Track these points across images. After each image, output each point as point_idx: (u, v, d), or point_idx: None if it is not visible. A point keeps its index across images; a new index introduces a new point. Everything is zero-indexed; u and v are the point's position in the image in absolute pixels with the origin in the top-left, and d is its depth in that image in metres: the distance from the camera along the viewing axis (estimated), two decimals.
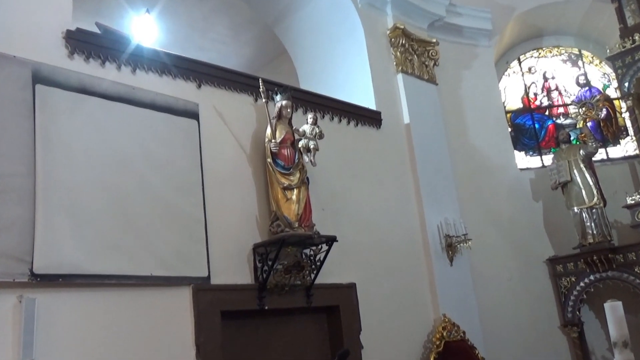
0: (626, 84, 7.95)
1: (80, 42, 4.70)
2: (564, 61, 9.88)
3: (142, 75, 5.04)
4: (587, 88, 9.64)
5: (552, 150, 9.15)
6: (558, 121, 9.55)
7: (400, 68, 7.72)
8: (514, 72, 9.88)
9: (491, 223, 8.24)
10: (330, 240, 5.52)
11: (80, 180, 4.34)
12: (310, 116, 5.82)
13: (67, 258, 4.10)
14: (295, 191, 5.41)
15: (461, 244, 7.18)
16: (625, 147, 9.19)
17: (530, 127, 9.55)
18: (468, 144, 8.53)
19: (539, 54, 9.94)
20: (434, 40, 8.23)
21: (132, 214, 4.54)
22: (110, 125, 4.64)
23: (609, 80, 9.59)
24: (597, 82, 9.66)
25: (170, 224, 4.75)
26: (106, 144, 4.56)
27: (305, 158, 5.64)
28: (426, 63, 8.17)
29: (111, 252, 4.33)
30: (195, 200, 4.99)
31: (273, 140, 5.41)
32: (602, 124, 9.37)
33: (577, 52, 9.86)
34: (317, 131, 5.74)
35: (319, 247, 5.55)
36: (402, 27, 7.80)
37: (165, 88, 5.13)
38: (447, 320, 6.73)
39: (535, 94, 9.78)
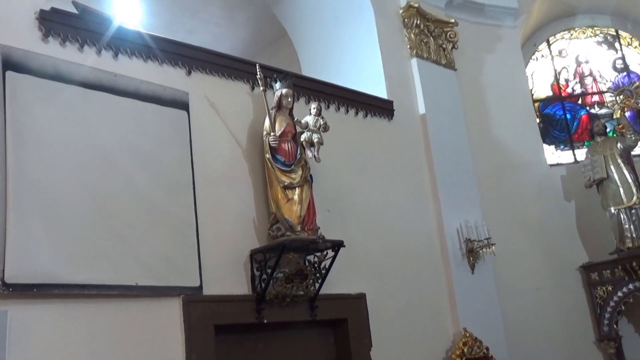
0: None
1: (56, 23, 4.69)
2: (599, 43, 9.85)
3: (125, 60, 5.04)
4: (625, 73, 9.61)
5: (586, 143, 9.12)
6: (592, 111, 9.53)
7: (414, 52, 7.72)
8: (542, 55, 9.86)
9: (517, 226, 8.24)
10: (337, 246, 5.52)
11: (57, 179, 4.34)
12: (313, 106, 5.82)
13: (43, 266, 4.11)
14: (297, 190, 5.41)
15: (484, 250, 7.17)
16: None
17: (561, 117, 9.53)
18: (491, 137, 8.51)
19: (571, 35, 9.92)
20: (453, 21, 8.22)
21: (114, 217, 4.54)
22: (90, 117, 4.64)
23: None
24: (637, 67, 9.63)
25: (157, 227, 4.75)
26: (85, 138, 4.56)
27: (309, 153, 5.64)
28: (444, 46, 8.17)
29: (92, 259, 4.33)
30: (186, 201, 5.00)
31: (272, 134, 5.41)
32: None
33: (614, 33, 9.83)
34: (322, 123, 5.75)
35: (324, 253, 5.55)
36: (416, 5, 7.79)
37: (151, 75, 5.13)
38: (468, 334, 6.73)
39: (567, 81, 9.76)
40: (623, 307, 7.96)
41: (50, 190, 4.29)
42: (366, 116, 6.92)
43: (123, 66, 4.99)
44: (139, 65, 5.12)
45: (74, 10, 4.87)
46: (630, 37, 9.77)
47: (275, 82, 5.66)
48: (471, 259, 7.21)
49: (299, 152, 5.55)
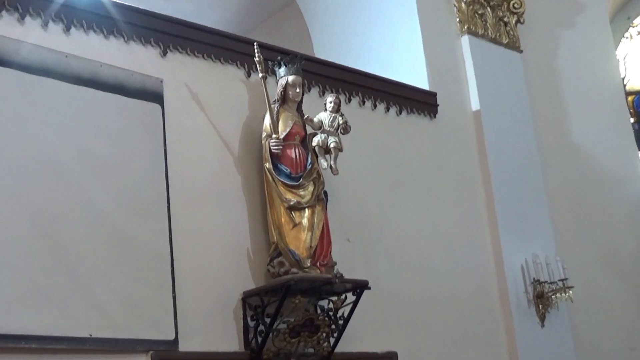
0: None
1: None
2: None
3: (79, 36, 5.07)
4: None
5: None
6: None
7: (466, 27, 7.74)
8: (639, 33, 9.84)
9: (604, 263, 8.19)
10: (359, 287, 5.52)
11: None
12: (330, 99, 5.84)
13: None
14: (307, 212, 5.44)
15: (558, 295, 7.16)
16: None
17: None
18: (568, 142, 8.50)
19: None
20: None
21: (63, 245, 4.55)
22: (33, 112, 4.66)
23: None
24: None
25: (119, 260, 4.76)
26: (26, 140, 4.59)
27: (323, 163, 5.65)
28: (505, 19, 8.18)
29: (32, 302, 4.33)
30: (158, 225, 5.02)
31: (274, 136, 5.43)
32: None
33: None
34: (341, 122, 5.77)
35: (343, 297, 5.55)
36: None
37: (113, 56, 5.16)
38: None
39: None
40: None
41: None
42: (400, 113, 6.94)
43: (77, 44, 5.02)
44: (98, 42, 5.15)
45: None
46: None
47: (279, 66, 5.69)
48: (540, 307, 7.19)
49: (309, 160, 5.58)
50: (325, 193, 5.61)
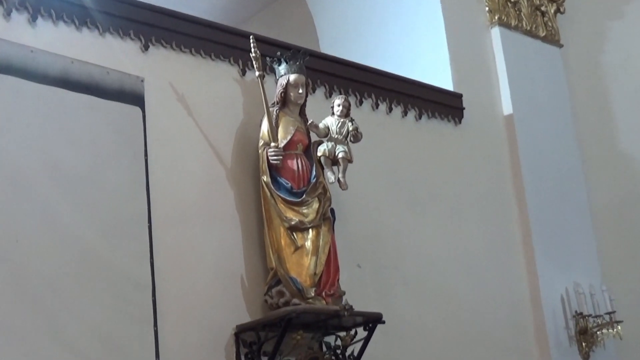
0: None
1: None
2: None
3: (47, 28, 5.08)
4: None
5: None
6: None
7: (496, 18, 7.76)
8: None
9: None
10: (372, 322, 5.53)
11: None
12: (338, 102, 5.86)
13: None
14: (311, 234, 5.45)
15: (604, 330, 7.15)
16: None
17: None
18: (617, 152, 8.48)
19: None
20: None
21: (27, 272, 4.55)
22: None
23: None
24: None
25: (93, 289, 4.75)
26: None
27: (330, 176, 5.67)
28: (543, 9, 8.20)
29: None
30: (137, 248, 5.01)
31: (273, 144, 5.44)
32: None
33: None
34: (350, 128, 5.78)
35: (352, 332, 5.57)
36: None
37: (87, 51, 5.17)
38: None
39: None
40: None
41: None
42: (420, 118, 6.96)
43: (45, 37, 5.03)
44: (69, 35, 5.16)
45: None
46: None
47: (279, 63, 5.70)
48: (584, 344, 7.18)
49: (314, 173, 5.59)
50: (333, 211, 5.63)
